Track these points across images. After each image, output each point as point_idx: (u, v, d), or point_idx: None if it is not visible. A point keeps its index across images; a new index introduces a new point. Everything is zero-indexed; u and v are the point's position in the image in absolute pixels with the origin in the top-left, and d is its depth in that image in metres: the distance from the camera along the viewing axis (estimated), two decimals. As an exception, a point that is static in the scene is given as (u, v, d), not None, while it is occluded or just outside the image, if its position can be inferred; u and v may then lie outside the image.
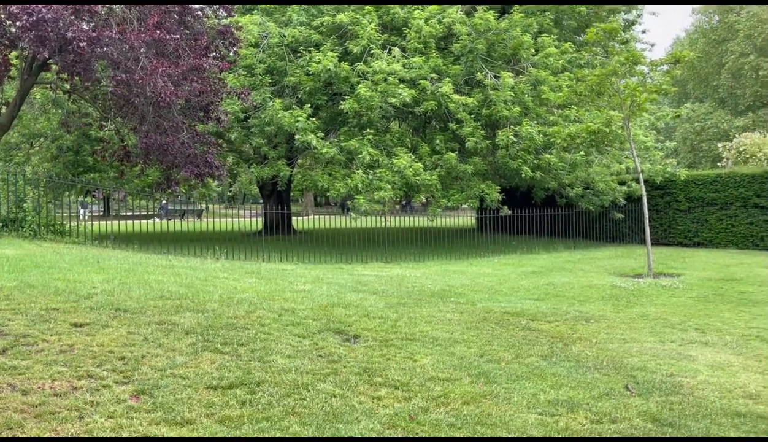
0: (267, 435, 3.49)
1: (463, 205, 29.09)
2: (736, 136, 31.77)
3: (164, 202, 31.09)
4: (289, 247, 16.79)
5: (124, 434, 3.29)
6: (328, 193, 17.51)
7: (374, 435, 3.68)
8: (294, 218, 30.10)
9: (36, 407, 3.50)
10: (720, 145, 31.95)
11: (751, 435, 4.20)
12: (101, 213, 36.17)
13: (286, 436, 3.52)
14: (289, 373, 4.58)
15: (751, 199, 16.84)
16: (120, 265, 8.95)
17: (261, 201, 29.47)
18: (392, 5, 17.66)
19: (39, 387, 3.77)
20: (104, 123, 16.70)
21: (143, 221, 16.37)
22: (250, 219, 28.69)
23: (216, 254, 13.11)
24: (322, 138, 16.39)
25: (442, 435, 3.80)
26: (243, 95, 15.10)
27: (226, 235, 20.69)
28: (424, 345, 5.97)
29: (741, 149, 29.20)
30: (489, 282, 11.14)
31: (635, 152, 13.25)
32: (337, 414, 3.91)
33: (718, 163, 31.97)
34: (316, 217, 35.02)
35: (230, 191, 41.55)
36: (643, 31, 24.13)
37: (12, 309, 5.31)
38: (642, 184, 13.12)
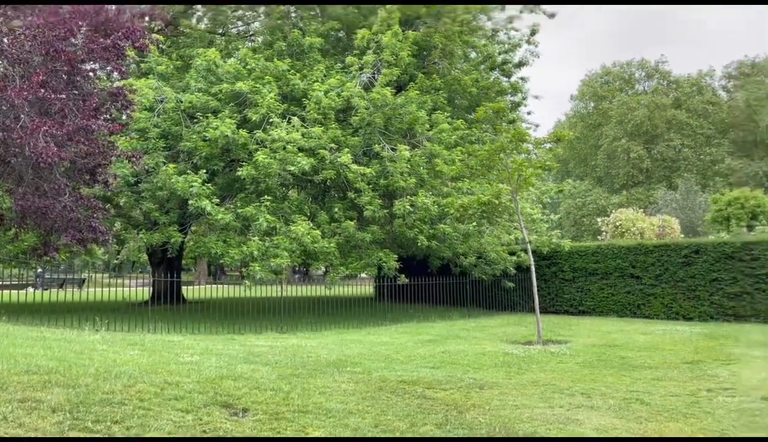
0: None
1: (362, 274, 29.13)
2: (613, 211, 34.38)
3: (40, 270, 28.85)
4: (179, 317, 15.98)
5: None
6: (222, 261, 16.98)
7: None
8: (185, 287, 28.85)
9: None
10: (599, 219, 34.39)
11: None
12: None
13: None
14: (167, 452, 4.22)
15: (628, 270, 18.08)
16: (-18, 337, 8.09)
17: (149, 269, 28.10)
18: (292, 77, 17.94)
19: None
20: (-24, 183, 15.43)
21: (16, 291, 15.06)
22: (138, 288, 27.18)
23: (96, 326, 12.21)
24: (217, 204, 16.03)
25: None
26: (134, 159, 14.49)
27: (110, 305, 19.40)
28: (317, 417, 5.75)
29: (617, 224, 31.56)
30: (386, 351, 11.06)
31: (523, 224, 13.94)
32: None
33: (598, 236, 34.26)
34: (210, 286, 33.77)
35: (117, 259, 39.36)
36: (528, 113, 26.23)
37: None
38: (530, 254, 13.75)
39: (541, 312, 13.44)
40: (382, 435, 5.30)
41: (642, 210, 36.36)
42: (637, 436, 5.91)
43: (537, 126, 24.67)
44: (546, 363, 10.18)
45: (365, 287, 28.37)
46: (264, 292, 20.22)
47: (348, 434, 5.26)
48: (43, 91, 11.56)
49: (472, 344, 12.19)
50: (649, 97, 54.14)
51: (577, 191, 51.49)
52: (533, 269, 13.54)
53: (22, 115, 11.33)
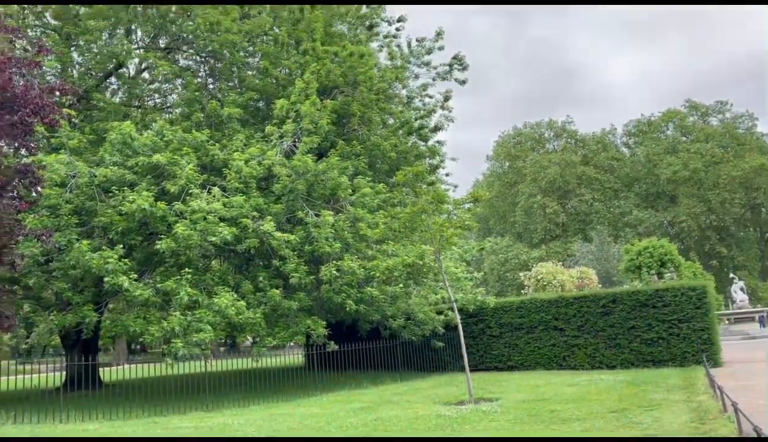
0: None
1: (290, 343, 28.47)
2: (534, 265, 35.56)
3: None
4: (95, 403, 15.00)
5: None
6: (141, 339, 16.19)
7: None
8: (103, 369, 27.20)
9: None
10: (522, 274, 35.45)
11: None
12: None
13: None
14: None
15: (551, 322, 18.57)
16: None
17: (62, 353, 26.41)
18: (211, 147, 17.82)
19: None
20: None
21: None
22: (51, 374, 25.38)
23: (1, 419, 11.25)
24: (135, 279, 15.39)
25: None
26: (44, 237, 13.89)
27: (19, 394, 17.99)
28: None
29: (539, 277, 32.63)
30: (317, 423, 10.76)
31: (448, 283, 14.16)
32: None
33: (522, 291, 35.22)
34: (131, 365, 32.00)
35: (26, 343, 36.83)
36: (447, 174, 27.05)
37: None
38: (456, 313, 13.92)
39: (471, 369, 13.52)
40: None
41: (561, 263, 37.84)
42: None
43: (456, 187, 25.45)
44: (478, 422, 10.18)
45: (295, 356, 27.70)
46: (188, 368, 19.36)
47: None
48: (-57, 170, 10.98)
49: (404, 409, 12.05)
50: (560, 155, 57.24)
51: (499, 247, 53.02)
52: (460, 327, 13.68)
53: None
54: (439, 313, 18.99)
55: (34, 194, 15.76)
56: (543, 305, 18.88)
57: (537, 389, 14.10)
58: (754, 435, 6.55)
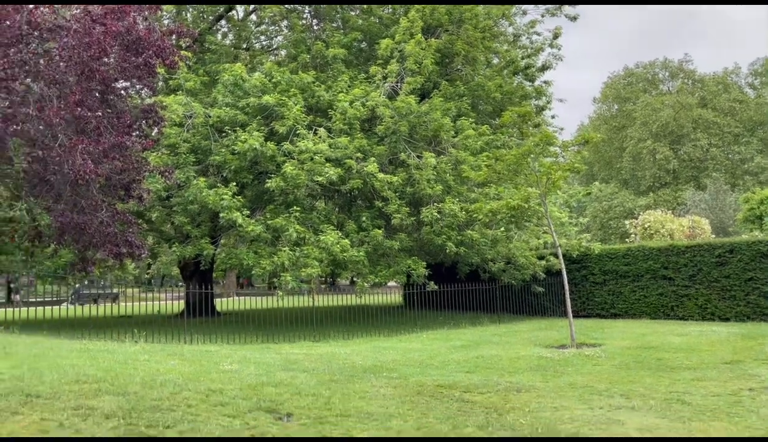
0: None
1: (390, 283, 29.11)
2: (640, 213, 33.99)
3: (77, 286, 29.48)
4: (213, 328, 16.20)
5: None
6: (253, 272, 17.18)
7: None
8: (216, 300, 29.17)
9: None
10: (627, 222, 34.02)
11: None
12: (4, 299, 33.80)
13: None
14: (220, 454, 4.34)
15: (660, 271, 17.86)
16: (29, 350, 8.33)
17: (180, 283, 28.49)
18: (317, 88, 18.17)
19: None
20: (14, 202, 15.87)
21: (53, 307, 15.45)
22: (169, 302, 27.56)
23: (135, 337, 12.44)
24: (247, 216, 16.25)
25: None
26: (166, 173, 14.82)
27: (144, 318, 19.73)
28: (359, 420, 5.83)
29: (646, 226, 31.19)
30: (420, 357, 11.10)
31: (552, 227, 13.89)
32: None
33: (626, 239, 33.90)
34: (240, 298, 34.11)
35: (148, 273, 39.99)
36: (553, 117, 26.02)
37: None
38: (561, 258, 13.69)
39: (572, 316, 13.35)
40: (424, 437, 5.35)
41: (670, 211, 35.90)
42: (682, 436, 5.87)
43: (561, 129, 24.59)
44: (581, 366, 10.12)
45: (393, 296, 28.42)
46: (294, 302, 20.39)
47: (392, 435, 5.32)
48: (79, 110, 11.91)
49: (505, 349, 12.17)
50: (674, 98, 53.49)
51: (603, 195, 50.95)
52: (564, 272, 13.47)
53: (59, 134, 11.70)
54: (541, 258, 18.74)
55: (155, 133, 16.79)
56: (652, 253, 18.15)
57: (642, 337, 13.74)
58: None
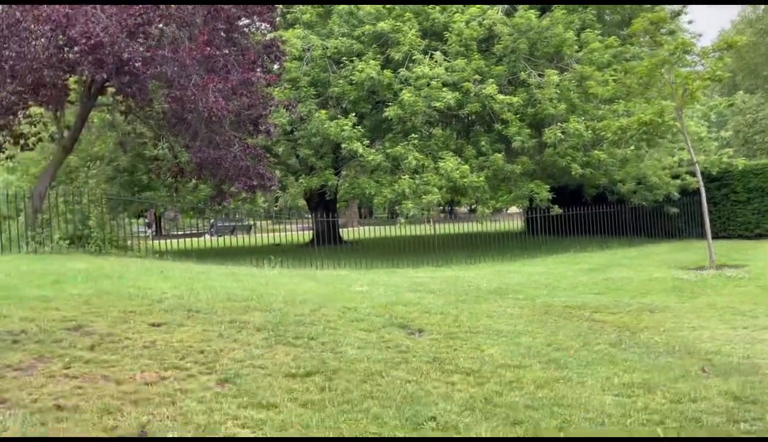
0: (350, 417, 3.56)
1: (509, 210, 28.61)
2: (792, 125, 30.64)
3: (213, 220, 31.83)
4: (340, 255, 16.94)
5: (216, 417, 3.42)
6: (375, 201, 17.64)
7: (453, 417, 3.71)
8: (340, 230, 30.36)
9: (130, 394, 3.66)
10: (775, 135, 30.86)
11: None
12: (153, 233, 37.18)
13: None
14: (361, 362, 4.65)
15: (815, 187, 16.22)
16: (183, 274, 9.20)
17: (306, 215, 29.88)
18: (432, 11, 17.76)
19: (130, 378, 3.94)
20: (158, 142, 17.25)
21: (195, 239, 16.85)
22: (298, 233, 29.10)
23: (271, 263, 13.34)
24: (367, 146, 16.55)
25: (521, 416, 3.79)
26: (291, 107, 15.40)
27: (277, 247, 21.02)
28: (488, 337, 5.97)
29: (798, 138, 28.15)
30: (545, 280, 11.02)
31: (690, 143, 12.94)
32: (414, 398, 3.96)
33: (774, 154, 30.84)
34: (362, 227, 35.25)
35: (276, 206, 42.19)
36: (689, 22, 23.61)
37: (93, 312, 5.55)
38: (699, 176, 12.78)
39: (711, 237, 12.55)
40: (556, 354, 5.40)
41: (829, 121, 32.05)
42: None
43: (700, 36, 22.40)
44: (722, 287, 9.60)
45: (514, 222, 28.07)
46: (414, 230, 20.77)
47: (522, 351, 5.43)
48: (208, 49, 12.57)
49: (636, 271, 11.76)
50: (838, -11, 46.62)
51: (747, 107, 46.32)
52: (703, 191, 12.59)
53: (193, 74, 12.44)
54: (675, 177, 17.59)
55: (276, 68, 17.35)
56: (805, 167, 16.47)
57: (793, 258, 12.72)
58: None
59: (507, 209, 36.45)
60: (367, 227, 33.15)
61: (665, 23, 13.30)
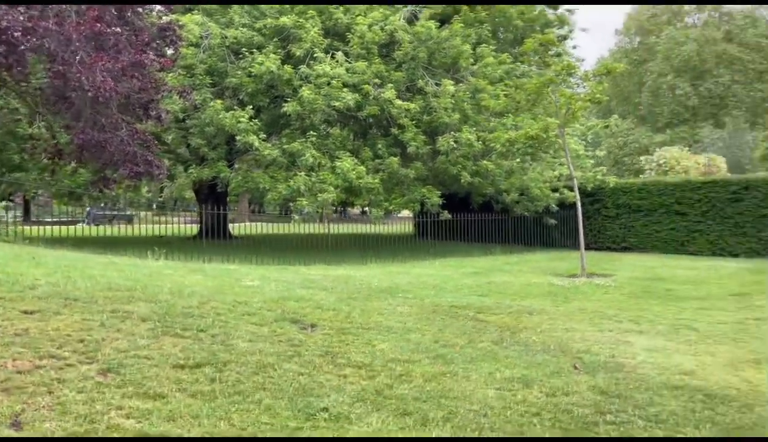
0: (241, 408, 3.52)
1: (400, 214, 29.18)
2: (656, 150, 33.68)
3: (89, 208, 29.89)
4: (229, 250, 16.54)
5: (98, 407, 3.25)
6: (269, 196, 17.39)
7: (345, 408, 3.77)
8: (229, 225, 29.58)
9: (1, 382, 3.40)
10: (642, 158, 33.76)
11: (689, 405, 4.52)
12: (21, 218, 34.32)
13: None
14: (253, 355, 4.60)
15: (673, 207, 17.91)
16: (58, 261, 8.62)
17: (193, 207, 28.87)
18: (335, 11, 17.81)
19: (1, 365, 3.65)
20: (33, 120, 15.99)
21: (68, 227, 15.80)
22: (185, 225, 28.02)
23: (155, 255, 12.77)
24: (264, 140, 16.30)
25: (410, 408, 3.92)
26: (184, 94, 14.83)
27: (161, 240, 20.13)
28: (380, 333, 6.09)
29: (661, 162, 30.98)
30: (433, 281, 11.38)
31: (570, 159, 13.87)
32: (306, 389, 3.98)
33: (641, 175, 33.72)
34: (252, 223, 34.53)
35: (161, 197, 40.38)
36: (574, 47, 25.44)
37: (-46, 297, 5.08)
38: (576, 190, 13.73)
39: (584, 248, 13.51)
40: (443, 350, 5.61)
41: (687, 148, 35.53)
42: (689, 356, 6.11)
43: (582, 60, 24.06)
44: (591, 294, 10.37)
45: (404, 226, 28.69)
46: (307, 229, 20.71)
47: (411, 347, 5.59)
48: (98, 25, 11.84)
49: (516, 276, 12.43)
50: (700, 31, 51.82)
51: (619, 130, 50.26)
52: (579, 204, 13.55)
53: (79, 51, 11.66)
54: (554, 190, 18.78)
55: (170, 53, 16.64)
56: (666, 188, 18.17)
57: (652, 269, 13.96)
58: None
59: (398, 213, 37.24)
60: (257, 224, 32.54)
61: (553, 45, 14.20)
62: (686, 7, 56.02)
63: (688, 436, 3.88)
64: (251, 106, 16.45)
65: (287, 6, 17.65)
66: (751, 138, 38.75)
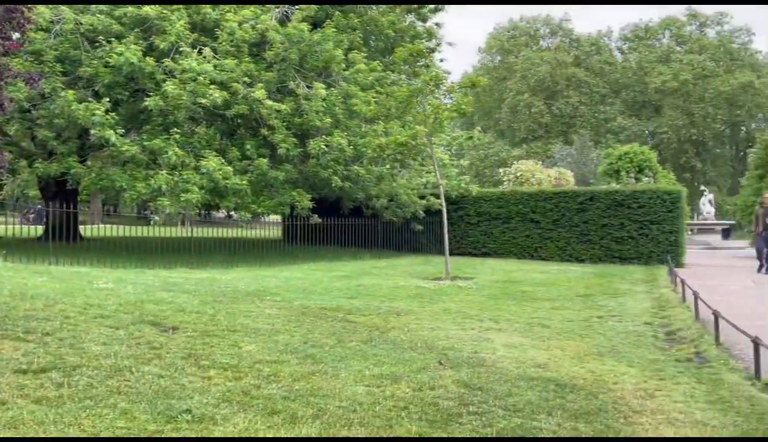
0: (93, 412, 3.23)
1: (268, 218, 28.70)
2: (514, 163, 35.98)
3: None
4: (79, 253, 15.33)
5: None
6: (126, 195, 16.30)
7: (210, 409, 3.59)
8: (81, 226, 27.44)
9: None
10: (501, 170, 35.90)
11: (543, 394, 4.81)
12: None
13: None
14: (107, 358, 4.26)
15: (528, 215, 19.16)
16: None
17: (38, 206, 26.48)
18: (203, 6, 17.17)
19: None
20: None
21: None
22: (29, 226, 25.55)
23: (-8, 256, 11.52)
24: (122, 135, 15.28)
25: (278, 407, 3.82)
26: (31, 82, 13.51)
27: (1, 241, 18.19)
28: (246, 335, 5.91)
29: (518, 174, 33.11)
30: (302, 284, 11.27)
31: (437, 167, 14.38)
32: (167, 392, 3.74)
33: (499, 186, 35.83)
34: (106, 225, 32.25)
35: (0, 194, 36.58)
36: (441, 60, 26.65)
37: None
38: (443, 197, 14.26)
39: (449, 253, 14.06)
40: (312, 350, 5.55)
41: (540, 162, 38.29)
42: (543, 350, 6.53)
43: (449, 73, 25.14)
44: (455, 295, 10.80)
45: (272, 231, 28.23)
46: (168, 232, 19.71)
47: (279, 348, 5.47)
48: (-73, -3, 10.49)
49: (385, 280, 12.65)
50: (552, 54, 56.16)
51: (481, 143, 53.10)
52: (445, 211, 14.08)
53: None
54: (421, 197, 19.36)
55: (16, 36, 15.16)
56: (522, 197, 19.39)
57: (510, 273, 14.82)
58: (712, 319, 7.14)
59: (266, 217, 36.54)
60: (112, 226, 30.44)
61: (423, 56, 14.68)
62: (541, 30, 60.50)
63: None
64: (108, 99, 15.35)
65: (152, -5, 16.73)
66: (595, 155, 42.57)
